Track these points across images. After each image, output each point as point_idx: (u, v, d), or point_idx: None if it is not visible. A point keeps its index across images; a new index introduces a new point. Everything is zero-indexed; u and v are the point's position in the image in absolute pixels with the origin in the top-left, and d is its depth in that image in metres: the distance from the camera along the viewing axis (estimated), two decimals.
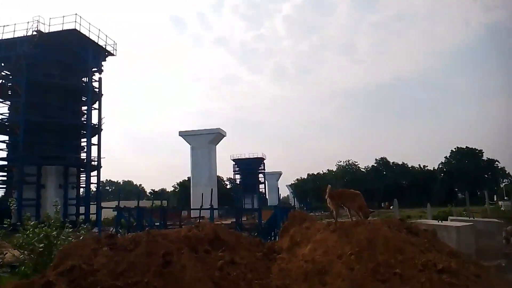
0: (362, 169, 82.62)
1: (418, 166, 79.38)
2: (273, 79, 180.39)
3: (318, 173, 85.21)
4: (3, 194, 35.03)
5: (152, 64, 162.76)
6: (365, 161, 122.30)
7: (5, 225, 9.03)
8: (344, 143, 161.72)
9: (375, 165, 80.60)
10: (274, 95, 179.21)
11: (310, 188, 76.86)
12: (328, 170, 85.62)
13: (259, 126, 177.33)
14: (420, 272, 4.12)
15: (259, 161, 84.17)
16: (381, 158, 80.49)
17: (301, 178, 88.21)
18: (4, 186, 35.47)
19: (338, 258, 4.46)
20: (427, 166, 79.21)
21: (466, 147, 75.37)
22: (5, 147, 35.21)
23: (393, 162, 79.96)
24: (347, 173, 79.90)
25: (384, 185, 72.09)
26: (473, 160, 73.01)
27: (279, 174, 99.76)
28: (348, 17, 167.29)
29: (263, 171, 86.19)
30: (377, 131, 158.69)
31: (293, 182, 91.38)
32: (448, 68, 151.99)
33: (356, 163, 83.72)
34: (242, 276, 3.94)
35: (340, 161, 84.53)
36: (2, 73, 35.26)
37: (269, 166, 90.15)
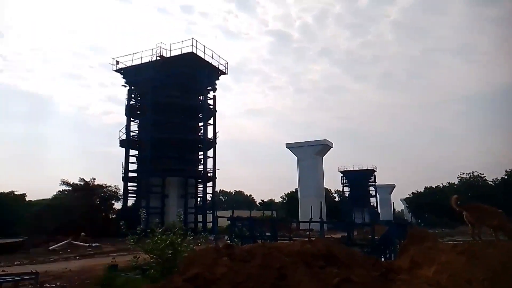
0: (489, 182, 73.54)
1: None
2: (381, 87, 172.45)
3: (436, 186, 78.08)
4: (133, 202, 39.55)
5: (256, 78, 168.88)
6: (493, 173, 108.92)
7: (138, 231, 10.13)
8: (466, 153, 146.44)
9: (506, 177, 71.03)
10: (383, 103, 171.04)
11: (427, 203, 70.92)
12: (448, 183, 78.10)
13: (368, 136, 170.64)
14: None
15: (369, 173, 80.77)
16: None
17: (417, 191, 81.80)
18: (135, 195, 40.00)
19: (467, 283, 4.03)
20: None
21: None
22: (135, 161, 39.82)
23: None
24: (471, 187, 71.77)
25: None
26: None
27: (391, 187, 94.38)
28: (462, 15, 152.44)
29: (373, 183, 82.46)
30: (508, 138, 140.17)
31: (408, 195, 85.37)
32: None
33: (482, 175, 74.85)
34: None
35: (463, 173, 76.44)
36: (132, 95, 40.17)
37: (381, 179, 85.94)
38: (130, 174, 38.72)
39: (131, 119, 39.75)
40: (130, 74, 39.23)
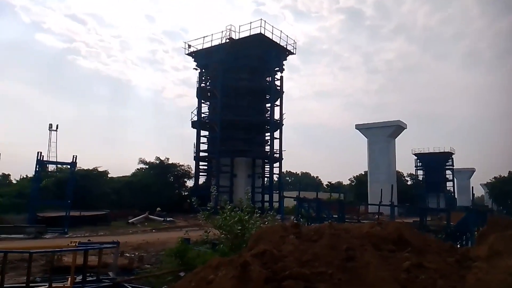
0: None
1: None
2: (464, 66, 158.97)
3: None
4: (203, 181, 41.28)
5: (325, 58, 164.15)
6: None
7: (208, 208, 10.62)
8: None
9: None
10: (465, 83, 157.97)
11: None
12: None
13: (446, 118, 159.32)
14: None
15: (446, 156, 75.77)
16: None
17: (500, 176, 75.44)
18: (206, 174, 41.68)
19: None
20: None
21: None
22: (205, 142, 41.32)
23: None
24: None
25: None
26: None
27: (471, 171, 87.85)
28: None
29: (451, 167, 77.36)
30: None
31: (490, 181, 79.10)
32: None
33: None
34: (432, 282, 3.64)
35: None
36: (203, 78, 41.40)
37: (459, 163, 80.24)
38: (201, 154, 40.30)
39: (202, 101, 41.07)
40: (201, 57, 40.35)
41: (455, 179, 79.39)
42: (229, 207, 9.82)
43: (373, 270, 3.64)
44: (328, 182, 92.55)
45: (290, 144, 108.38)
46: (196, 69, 41.26)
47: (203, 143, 40.83)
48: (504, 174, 73.60)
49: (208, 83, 41.60)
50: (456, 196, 78.17)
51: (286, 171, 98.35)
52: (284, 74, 41.56)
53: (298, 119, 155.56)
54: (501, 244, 4.60)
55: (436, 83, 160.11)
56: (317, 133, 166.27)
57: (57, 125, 46.74)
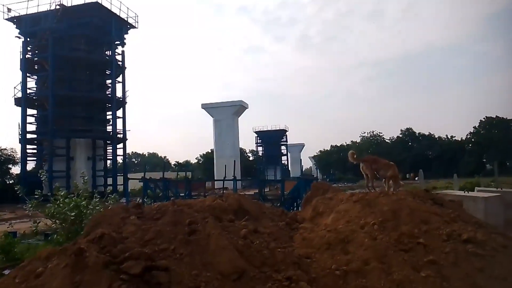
0: (387, 140, 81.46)
1: (445, 137, 77.36)
2: (297, 49, 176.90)
3: (341, 145, 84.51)
4: (33, 166, 36.50)
5: (173, 36, 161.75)
6: (390, 132, 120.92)
7: (36, 196, 9.41)
8: (369, 113, 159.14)
9: (401, 136, 79.21)
10: (298, 65, 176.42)
11: (334, 160, 76.65)
12: (351, 141, 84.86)
13: (282, 97, 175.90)
14: (445, 242, 4.07)
15: (282, 133, 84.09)
16: (407, 128, 78.89)
17: (324, 149, 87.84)
18: (35, 158, 36.81)
19: (360, 228, 4.46)
20: (455, 137, 76.90)
21: (496, 116, 72.41)
22: (34, 121, 36.29)
23: (419, 133, 78.30)
24: (372, 144, 78.93)
25: (410, 156, 70.87)
26: (503, 130, 70.21)
27: (301, 145, 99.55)
28: None
29: (285, 143, 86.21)
30: (404, 101, 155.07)
31: (316, 154, 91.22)
32: (480, 34, 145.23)
33: (380, 134, 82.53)
34: (265, 245, 4.01)
35: (364, 132, 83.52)
36: (28, 47, 35.94)
37: (292, 138, 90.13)
38: (29, 136, 35.35)
39: (28, 74, 35.76)
40: (26, 23, 34.93)
41: (288, 153, 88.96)
42: (63, 193, 8.89)
43: (214, 240, 3.80)
44: (176, 161, 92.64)
45: (135, 123, 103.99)
46: (19, 38, 35.51)
47: (30, 123, 35.78)
48: (327, 148, 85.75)
49: (35, 54, 36.32)
50: (289, 168, 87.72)
51: (132, 152, 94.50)
52: (131, 49, 39.32)
53: (146, 97, 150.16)
54: (321, 205, 5.35)
55: (275, 64, 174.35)
56: (165, 112, 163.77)
57: None
